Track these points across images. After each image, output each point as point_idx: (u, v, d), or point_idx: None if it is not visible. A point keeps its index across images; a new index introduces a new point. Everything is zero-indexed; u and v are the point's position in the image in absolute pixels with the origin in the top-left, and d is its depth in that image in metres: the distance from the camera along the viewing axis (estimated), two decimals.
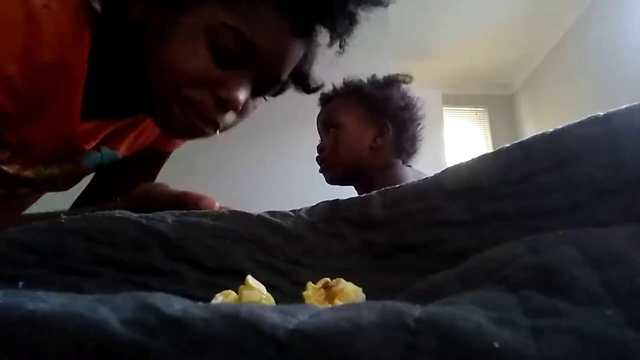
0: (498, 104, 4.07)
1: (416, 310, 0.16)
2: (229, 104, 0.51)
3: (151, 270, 0.34)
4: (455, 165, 0.42)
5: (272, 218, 0.44)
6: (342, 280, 0.30)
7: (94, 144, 0.59)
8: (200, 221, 0.40)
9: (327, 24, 0.54)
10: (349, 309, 0.17)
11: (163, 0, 0.50)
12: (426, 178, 0.44)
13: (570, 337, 0.14)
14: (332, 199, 0.49)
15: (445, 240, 0.36)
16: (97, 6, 0.52)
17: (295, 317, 0.16)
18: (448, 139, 3.55)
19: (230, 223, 0.41)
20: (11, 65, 0.43)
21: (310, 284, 0.30)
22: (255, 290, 0.29)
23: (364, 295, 0.29)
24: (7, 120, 0.47)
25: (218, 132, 0.56)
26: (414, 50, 3.39)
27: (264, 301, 0.28)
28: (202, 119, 0.52)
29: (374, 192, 0.47)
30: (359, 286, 0.30)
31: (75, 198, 0.78)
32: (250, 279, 0.29)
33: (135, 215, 0.38)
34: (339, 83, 1.01)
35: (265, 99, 0.64)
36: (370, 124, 0.94)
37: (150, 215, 0.39)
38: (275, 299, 0.30)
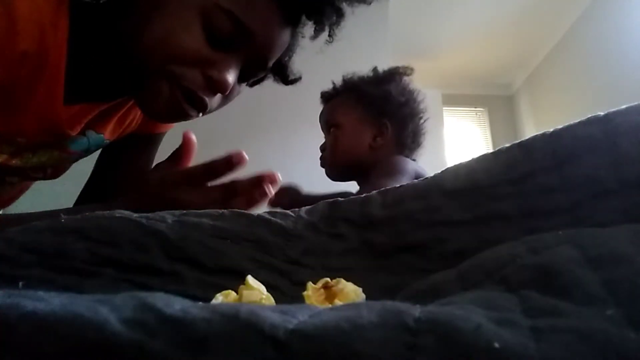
0: (498, 104, 4.07)
1: (416, 310, 0.16)
2: (219, 85, 0.52)
3: (151, 270, 0.34)
4: (455, 165, 0.42)
5: (272, 218, 0.44)
6: (342, 280, 0.30)
7: (79, 128, 0.59)
8: (200, 221, 0.40)
9: (314, 14, 0.55)
10: (349, 309, 0.17)
11: None
12: (426, 178, 0.44)
13: (570, 337, 0.14)
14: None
15: (445, 240, 0.36)
16: None
17: (295, 317, 0.16)
18: (448, 139, 3.55)
19: (230, 223, 0.41)
20: None
21: (310, 284, 0.30)
22: (255, 290, 0.29)
23: (364, 295, 0.29)
24: None
25: (201, 114, 0.56)
26: (414, 50, 3.39)
27: (264, 301, 0.28)
28: (189, 97, 0.52)
29: (374, 192, 0.47)
30: (359, 286, 0.30)
31: (74, 198, 0.78)
32: (250, 279, 0.29)
33: (135, 215, 0.38)
34: (339, 81, 1.01)
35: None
36: (369, 123, 0.94)
37: (150, 215, 0.39)
38: (275, 299, 0.30)
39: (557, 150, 0.34)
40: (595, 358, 0.14)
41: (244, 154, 0.52)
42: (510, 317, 0.16)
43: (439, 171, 0.43)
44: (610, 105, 0.34)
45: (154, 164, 0.65)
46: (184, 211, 0.42)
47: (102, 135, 0.65)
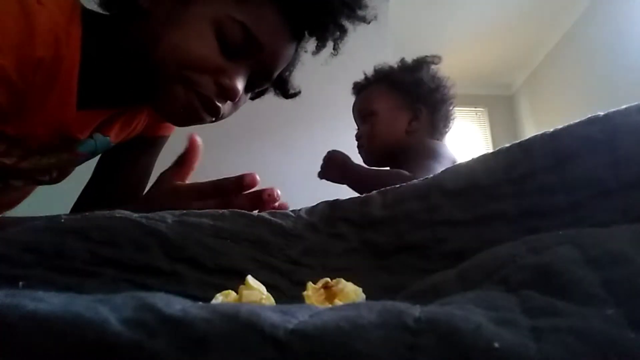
0: (498, 104, 4.07)
1: (416, 310, 0.16)
2: (229, 92, 0.55)
3: (151, 270, 0.34)
4: (455, 165, 0.42)
5: (272, 218, 0.44)
6: (342, 280, 0.30)
7: (88, 132, 0.60)
8: (200, 221, 0.40)
9: (317, 31, 0.59)
10: (349, 309, 0.17)
11: None
12: (426, 178, 0.44)
13: (570, 337, 0.14)
14: (332, 199, 0.49)
15: (445, 240, 0.36)
16: None
17: (295, 317, 0.16)
18: (448, 139, 3.55)
19: (230, 223, 0.41)
20: (6, 59, 0.44)
21: (310, 284, 0.30)
22: (255, 290, 0.29)
23: (364, 295, 0.29)
24: (2, 113, 0.47)
25: (214, 119, 0.59)
26: (414, 50, 3.39)
27: (264, 301, 0.28)
28: (204, 103, 0.55)
29: (374, 192, 0.47)
30: (359, 286, 0.30)
31: (73, 199, 0.78)
32: (250, 279, 0.29)
33: (135, 215, 0.38)
34: (369, 71, 1.05)
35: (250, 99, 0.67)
36: (404, 109, 0.98)
37: (150, 215, 0.39)
38: (275, 299, 0.30)
39: (557, 150, 0.34)
40: (595, 358, 0.14)
41: (257, 176, 0.55)
42: (510, 317, 0.16)
43: (439, 171, 0.44)
44: (610, 105, 0.34)
45: (159, 170, 0.66)
46: (184, 211, 0.42)
47: (108, 137, 0.66)
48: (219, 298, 0.27)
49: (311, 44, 0.62)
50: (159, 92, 0.54)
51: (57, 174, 0.66)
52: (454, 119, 1.04)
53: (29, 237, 0.32)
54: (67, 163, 0.65)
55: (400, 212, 0.41)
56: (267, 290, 0.29)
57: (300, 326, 0.15)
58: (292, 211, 0.47)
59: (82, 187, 0.79)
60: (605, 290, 0.17)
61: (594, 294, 0.17)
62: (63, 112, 0.53)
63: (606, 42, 2.81)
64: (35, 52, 0.46)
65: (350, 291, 0.29)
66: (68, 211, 0.73)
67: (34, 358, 0.14)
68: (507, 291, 0.20)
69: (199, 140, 0.60)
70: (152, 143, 0.78)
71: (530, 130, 3.74)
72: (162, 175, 0.60)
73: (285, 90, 0.70)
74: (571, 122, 0.35)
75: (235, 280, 0.30)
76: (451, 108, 1.03)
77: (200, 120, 0.57)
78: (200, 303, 0.17)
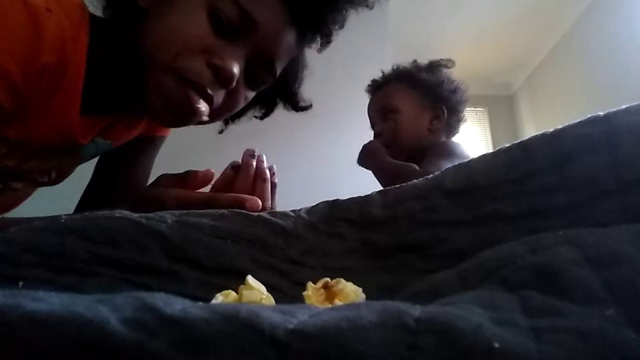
0: (498, 104, 4.07)
1: (416, 310, 0.16)
2: (223, 73, 0.52)
3: (151, 270, 0.34)
4: (455, 165, 0.42)
5: (272, 218, 0.44)
6: (342, 280, 0.30)
7: (90, 137, 0.60)
8: (200, 221, 0.40)
9: (318, 16, 0.56)
10: (349, 309, 0.17)
11: None
12: (426, 178, 0.44)
13: (570, 337, 0.14)
14: (332, 199, 0.49)
15: (445, 240, 0.36)
16: None
17: (295, 317, 0.16)
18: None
19: (230, 223, 0.41)
20: (12, 63, 0.44)
21: (310, 284, 0.30)
22: (255, 290, 0.29)
23: (364, 295, 0.29)
24: (4, 116, 0.47)
25: (208, 112, 0.56)
26: (414, 50, 3.39)
27: (264, 301, 0.28)
28: (194, 88, 0.52)
29: (374, 192, 0.47)
30: (359, 286, 0.30)
31: (74, 200, 0.78)
32: (250, 279, 0.29)
33: (135, 215, 0.38)
34: (387, 70, 1.08)
35: (259, 117, 0.67)
36: (425, 108, 1.01)
37: (150, 215, 0.39)
38: (275, 299, 0.30)
39: (557, 150, 0.34)
40: (595, 358, 0.14)
41: (259, 202, 0.51)
42: (510, 317, 0.16)
43: (439, 171, 0.44)
44: (610, 105, 0.34)
45: (158, 172, 0.65)
46: (184, 211, 0.42)
47: (109, 141, 0.66)
48: (219, 298, 0.27)
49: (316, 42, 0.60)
50: (149, 87, 0.53)
51: (57, 175, 0.66)
52: (465, 122, 1.08)
53: (29, 237, 0.32)
54: (68, 165, 0.65)
55: (400, 212, 0.41)
56: (267, 290, 0.29)
57: (300, 326, 0.15)
58: (292, 211, 0.47)
59: (82, 188, 0.79)
60: (605, 290, 0.17)
61: (593, 294, 0.17)
62: (66, 117, 0.53)
63: (606, 42, 2.81)
64: (42, 58, 0.46)
65: (350, 291, 0.29)
66: (68, 212, 0.74)
67: (33, 358, 0.14)
68: (507, 291, 0.20)
69: (213, 173, 0.56)
70: (150, 142, 0.78)
71: (530, 130, 3.74)
72: (164, 178, 0.57)
73: (294, 103, 0.69)
74: (571, 122, 0.35)
75: (235, 280, 0.30)
76: (464, 111, 1.07)
77: (194, 115, 0.54)
78: (200, 303, 0.17)
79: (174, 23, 0.51)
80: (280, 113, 0.71)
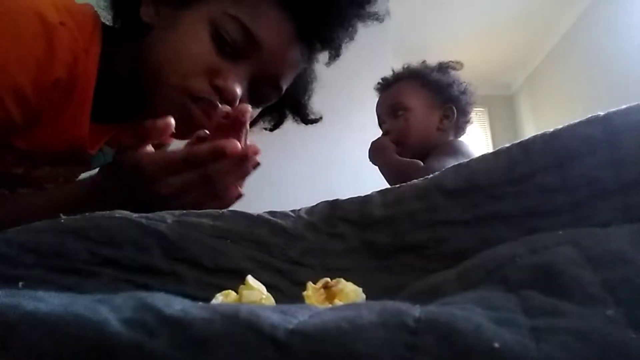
0: (498, 104, 4.06)
1: (416, 310, 0.16)
2: (225, 93, 0.51)
3: (151, 271, 0.34)
4: (455, 165, 0.42)
5: (272, 218, 0.44)
6: (342, 280, 0.30)
7: (98, 146, 0.60)
8: (200, 221, 0.40)
9: (324, 30, 0.56)
10: (349, 309, 0.17)
11: None
12: (426, 178, 0.44)
13: (570, 337, 0.14)
14: (332, 199, 0.49)
15: (445, 240, 0.36)
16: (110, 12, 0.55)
17: (295, 317, 0.16)
18: None
19: (230, 223, 0.41)
20: (24, 77, 0.44)
21: (310, 284, 0.30)
22: (255, 290, 0.29)
23: (364, 295, 0.29)
24: (14, 127, 0.47)
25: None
26: (414, 50, 3.39)
27: (264, 301, 0.28)
28: (198, 104, 0.52)
29: (374, 192, 0.47)
30: (359, 286, 0.30)
31: None
32: (250, 279, 0.29)
33: (135, 215, 0.38)
34: (398, 69, 1.09)
35: (269, 129, 0.66)
36: (436, 107, 1.02)
37: (149, 215, 0.39)
38: (275, 299, 0.30)
39: (557, 150, 0.34)
40: (595, 358, 0.14)
41: (237, 143, 0.44)
42: (510, 317, 0.16)
43: (442, 168, 0.44)
44: (610, 105, 0.34)
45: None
46: (184, 211, 0.42)
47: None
48: (219, 298, 0.27)
49: (324, 55, 0.60)
50: (155, 101, 0.53)
51: (63, 181, 0.67)
52: (472, 122, 1.10)
53: (28, 237, 0.32)
54: (77, 174, 0.66)
55: (400, 212, 0.41)
56: (267, 290, 0.29)
57: (300, 326, 0.15)
58: (292, 211, 0.47)
59: None
60: (605, 290, 0.17)
61: (594, 294, 0.17)
62: (76, 127, 0.53)
63: (606, 42, 2.81)
64: (55, 73, 0.46)
65: (350, 291, 0.29)
66: None
67: (33, 358, 0.14)
68: (507, 291, 0.20)
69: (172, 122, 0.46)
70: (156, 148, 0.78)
71: (530, 130, 3.74)
72: (123, 140, 0.48)
73: (303, 115, 0.68)
74: (571, 122, 0.35)
75: (235, 280, 0.30)
76: (472, 112, 1.09)
77: (195, 125, 0.52)
78: (200, 303, 0.17)
79: (178, 42, 0.51)
80: None
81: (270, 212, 0.46)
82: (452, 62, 1.10)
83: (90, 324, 0.14)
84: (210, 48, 0.51)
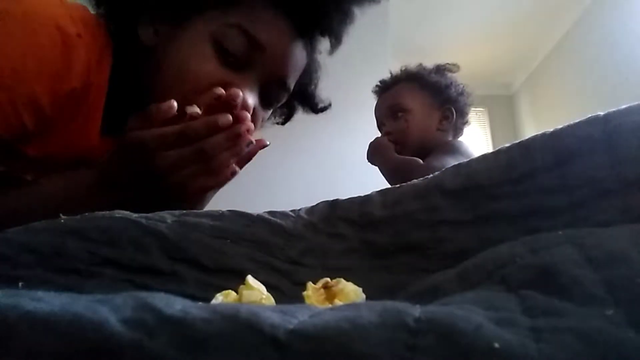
0: (498, 104, 4.06)
1: (416, 310, 0.16)
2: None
3: (151, 271, 0.34)
4: (455, 165, 0.42)
5: (272, 218, 0.44)
6: (342, 280, 0.30)
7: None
8: (200, 221, 0.40)
9: (322, 22, 0.56)
10: (349, 309, 0.17)
11: (168, 16, 0.52)
12: (426, 178, 0.44)
13: (570, 337, 0.14)
14: (332, 199, 0.49)
15: (445, 240, 0.36)
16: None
17: (295, 317, 0.16)
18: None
19: (230, 223, 0.41)
20: (41, 86, 0.45)
21: (310, 284, 0.30)
22: (255, 290, 0.29)
23: (364, 295, 0.29)
24: (26, 135, 0.48)
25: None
26: (414, 50, 3.39)
27: (264, 301, 0.28)
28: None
29: (374, 192, 0.47)
30: (359, 286, 0.30)
31: None
32: (250, 279, 0.29)
33: (135, 215, 0.38)
34: (396, 71, 1.10)
35: (280, 123, 0.66)
36: (435, 108, 1.04)
37: (149, 215, 0.39)
38: (275, 299, 0.30)
39: (557, 150, 0.34)
40: (595, 358, 0.14)
41: (229, 116, 0.47)
42: (510, 317, 0.16)
43: (442, 167, 0.44)
44: (610, 105, 0.34)
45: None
46: (184, 211, 0.42)
47: None
48: (219, 298, 0.27)
49: (325, 43, 0.60)
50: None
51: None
52: (470, 124, 1.11)
53: (28, 237, 0.32)
54: None
55: (400, 212, 0.41)
56: (267, 290, 0.29)
57: (300, 326, 0.15)
58: (292, 211, 0.47)
59: None
60: (605, 290, 0.17)
61: (594, 294, 0.17)
62: (87, 137, 0.53)
63: (606, 42, 2.81)
64: (70, 83, 0.47)
65: (350, 291, 0.29)
66: None
67: (33, 358, 0.14)
68: (507, 291, 0.20)
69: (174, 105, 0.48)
70: None
71: (530, 130, 3.74)
72: (130, 121, 0.49)
73: (313, 105, 0.68)
74: (571, 122, 0.35)
75: (235, 280, 0.30)
76: (470, 113, 1.11)
77: None
78: (200, 303, 0.17)
79: (182, 59, 0.51)
80: None
81: (270, 212, 0.46)
82: (449, 64, 1.10)
83: (90, 323, 0.14)
84: (215, 63, 0.51)
